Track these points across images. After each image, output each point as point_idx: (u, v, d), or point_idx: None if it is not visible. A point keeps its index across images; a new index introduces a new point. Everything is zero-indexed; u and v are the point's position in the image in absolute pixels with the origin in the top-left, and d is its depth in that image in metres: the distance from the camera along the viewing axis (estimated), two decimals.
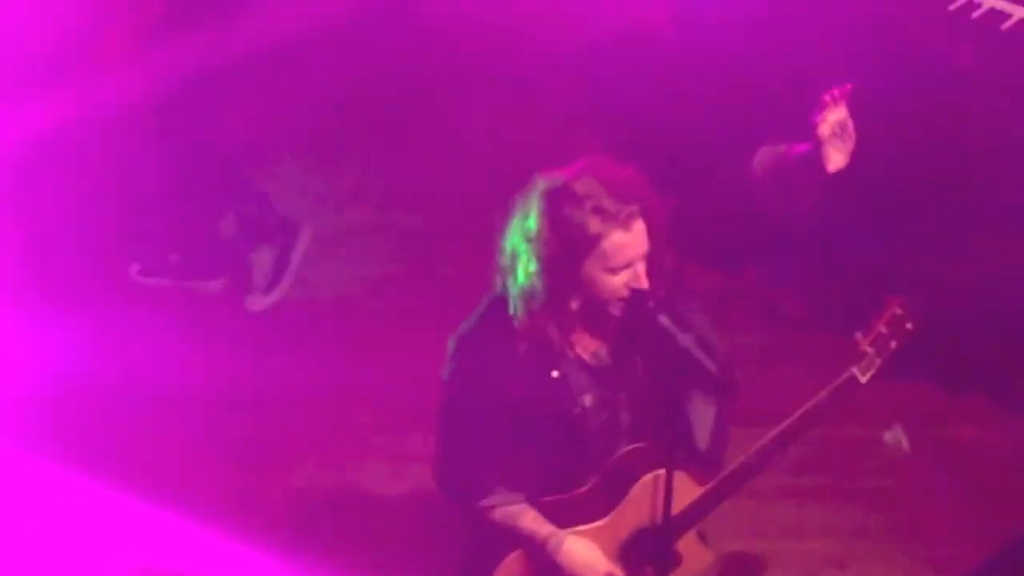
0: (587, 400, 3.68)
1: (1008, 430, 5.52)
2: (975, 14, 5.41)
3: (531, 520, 3.69)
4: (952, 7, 5.45)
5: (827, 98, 3.54)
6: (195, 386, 5.61)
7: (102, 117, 6.06)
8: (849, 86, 3.57)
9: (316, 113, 6.87)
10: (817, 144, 3.54)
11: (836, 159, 3.57)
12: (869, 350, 3.58)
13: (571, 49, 7.09)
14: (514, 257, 3.53)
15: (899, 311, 3.58)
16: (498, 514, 3.70)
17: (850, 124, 3.56)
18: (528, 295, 3.52)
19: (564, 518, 3.71)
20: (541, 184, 3.52)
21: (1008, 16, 5.37)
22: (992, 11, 5.40)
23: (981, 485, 5.36)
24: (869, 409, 4.22)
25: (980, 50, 5.38)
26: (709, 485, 3.65)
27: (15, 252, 6.17)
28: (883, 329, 3.59)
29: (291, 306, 6.26)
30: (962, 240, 5.43)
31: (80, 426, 5.56)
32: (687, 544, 3.76)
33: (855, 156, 3.60)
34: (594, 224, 3.41)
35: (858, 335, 3.60)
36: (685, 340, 3.46)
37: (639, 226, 3.46)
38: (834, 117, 3.53)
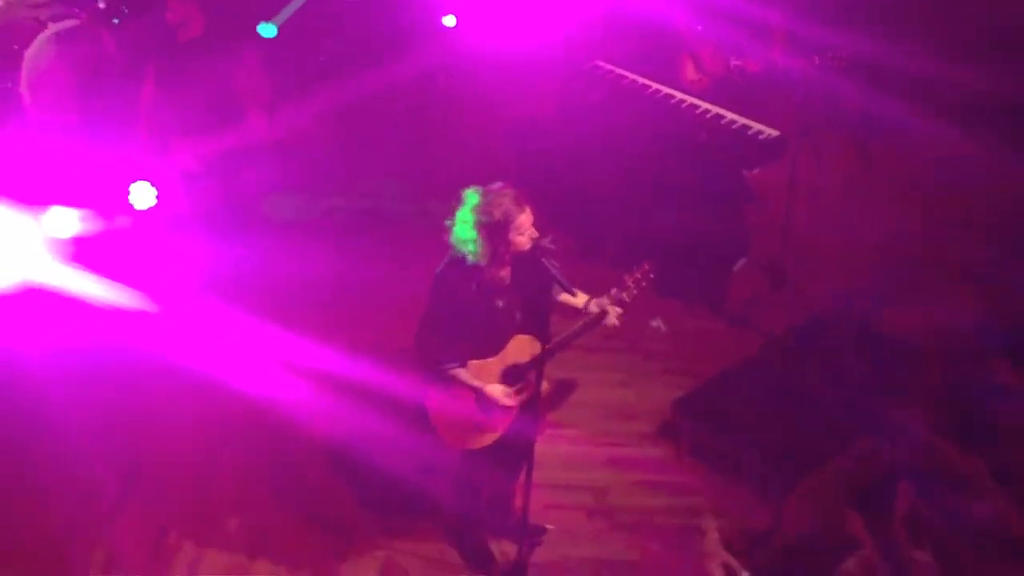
0: (500, 303, 6.65)
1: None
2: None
3: (467, 375, 6.66)
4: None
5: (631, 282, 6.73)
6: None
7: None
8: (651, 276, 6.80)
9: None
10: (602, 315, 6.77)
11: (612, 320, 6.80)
12: (625, 293, 6.75)
13: (509, 116, 11.18)
14: (470, 234, 6.38)
15: (647, 268, 6.78)
16: (449, 371, 6.59)
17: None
18: (482, 254, 6.42)
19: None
20: (477, 193, 6.43)
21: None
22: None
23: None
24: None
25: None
26: (545, 347, 6.52)
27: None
28: (636, 278, 6.75)
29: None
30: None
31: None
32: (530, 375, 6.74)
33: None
34: (511, 210, 6.37)
35: (623, 280, 6.77)
36: (552, 268, 6.36)
37: (528, 209, 6.43)
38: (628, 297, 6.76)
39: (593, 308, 6.76)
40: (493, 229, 6.38)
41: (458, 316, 6.57)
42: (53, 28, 10.15)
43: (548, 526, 7.43)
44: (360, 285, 9.42)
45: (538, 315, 6.64)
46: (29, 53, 10.06)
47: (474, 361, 6.66)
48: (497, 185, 6.49)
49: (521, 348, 6.72)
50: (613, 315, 6.76)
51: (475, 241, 6.41)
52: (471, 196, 6.45)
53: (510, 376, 6.73)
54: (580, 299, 6.79)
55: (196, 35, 8.73)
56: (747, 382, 8.17)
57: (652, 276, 6.79)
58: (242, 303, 8.93)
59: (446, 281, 6.57)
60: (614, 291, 6.77)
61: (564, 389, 8.33)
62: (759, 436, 7.71)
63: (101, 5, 10.97)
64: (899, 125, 10.44)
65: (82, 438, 7.99)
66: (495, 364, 6.69)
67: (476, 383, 6.65)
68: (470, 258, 6.45)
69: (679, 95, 9.56)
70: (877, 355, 8.31)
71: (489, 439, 6.81)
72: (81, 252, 8.88)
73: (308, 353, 8.35)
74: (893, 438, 7.66)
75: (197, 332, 8.58)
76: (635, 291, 6.74)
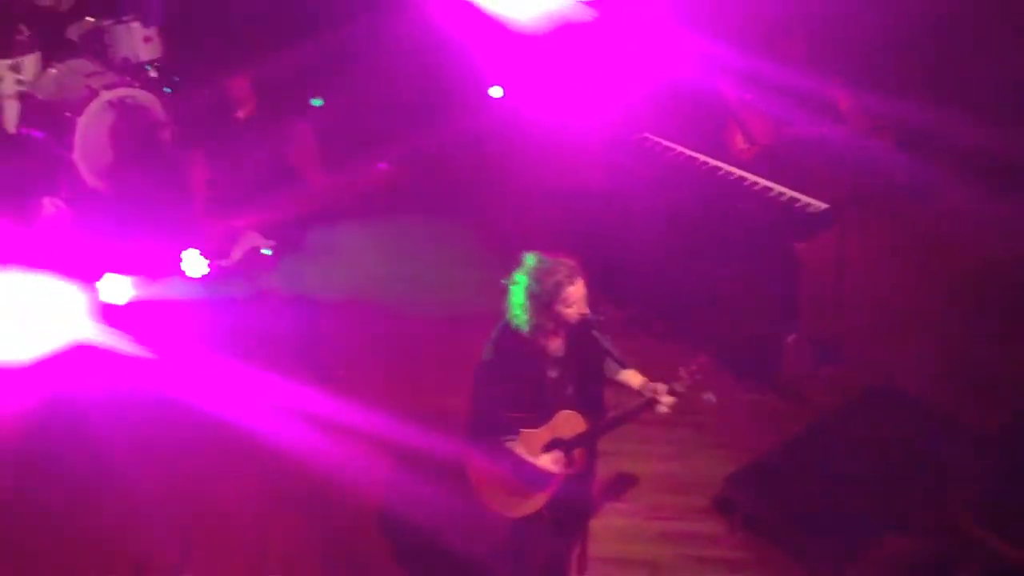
0: (553, 373, 6.67)
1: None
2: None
3: (518, 446, 6.55)
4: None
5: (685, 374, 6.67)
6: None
7: None
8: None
9: None
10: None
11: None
12: (679, 383, 6.67)
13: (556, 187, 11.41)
14: (519, 302, 6.45)
15: (703, 361, 6.72)
16: (500, 444, 6.52)
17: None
18: (528, 322, 6.49)
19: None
20: (534, 258, 6.50)
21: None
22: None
23: None
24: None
25: None
26: (591, 425, 6.67)
27: None
28: (692, 370, 6.68)
29: None
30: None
31: None
32: (579, 451, 6.70)
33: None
34: (562, 281, 6.42)
35: (678, 371, 6.70)
36: (603, 341, 6.67)
37: (580, 282, 6.48)
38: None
39: (647, 393, 6.71)
40: (541, 298, 6.44)
41: (510, 381, 6.57)
42: (106, 96, 10.28)
43: None
44: (408, 346, 9.57)
45: (590, 391, 6.72)
46: (82, 121, 10.19)
47: (523, 430, 6.64)
48: (554, 255, 6.52)
49: (569, 422, 6.69)
50: (665, 404, 6.68)
51: (523, 308, 6.47)
52: (529, 260, 6.51)
53: (555, 448, 6.69)
54: (635, 380, 6.78)
55: (250, 113, 8.82)
56: (802, 457, 8.14)
57: (706, 369, 6.76)
58: (291, 363, 9.16)
59: (499, 346, 6.60)
60: (669, 384, 6.72)
61: (616, 462, 8.29)
62: (814, 511, 7.66)
63: (153, 75, 11.13)
64: (952, 194, 10.50)
65: (141, 499, 8.12)
66: (542, 434, 6.66)
67: (524, 454, 6.59)
68: (518, 324, 6.50)
69: (727, 167, 9.58)
70: (930, 433, 8.28)
71: (529, 507, 6.77)
72: (134, 317, 8.96)
73: (360, 416, 8.43)
74: (950, 514, 7.63)
75: (250, 395, 8.67)
76: (689, 382, 6.69)
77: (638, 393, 6.76)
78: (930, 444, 8.15)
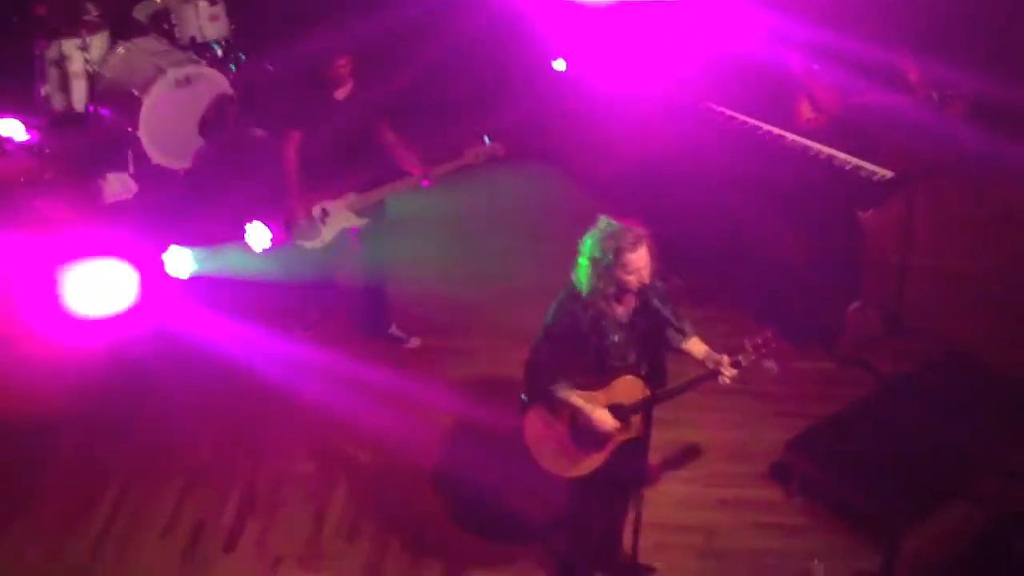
0: (615, 338, 6.60)
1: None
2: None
3: (576, 396, 6.57)
4: None
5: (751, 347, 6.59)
6: None
7: None
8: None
9: None
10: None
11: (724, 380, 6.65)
12: (743, 356, 6.58)
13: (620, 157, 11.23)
14: (583, 265, 6.44)
15: (769, 336, 6.59)
16: (558, 392, 6.54)
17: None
18: (589, 285, 6.46)
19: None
20: (605, 221, 6.45)
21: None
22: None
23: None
24: None
25: None
26: (651, 392, 6.60)
27: None
28: (757, 343, 6.58)
29: None
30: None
31: None
32: (636, 418, 6.67)
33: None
34: (623, 247, 6.36)
35: (743, 344, 6.61)
36: (665, 311, 6.66)
37: (643, 250, 6.41)
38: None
39: (710, 364, 6.66)
40: (602, 262, 6.39)
41: (572, 344, 6.56)
42: (172, 73, 10.39)
43: (658, 565, 7.36)
44: (470, 311, 9.64)
45: (652, 358, 6.68)
46: (148, 99, 10.30)
47: (580, 391, 6.62)
48: (625, 222, 6.48)
49: (629, 388, 6.66)
50: (727, 375, 6.61)
51: (586, 271, 6.46)
52: (600, 224, 6.49)
53: (614, 413, 6.66)
54: (699, 350, 6.73)
55: (347, 95, 8.72)
56: (861, 423, 8.04)
57: (774, 345, 6.64)
58: (353, 335, 9.33)
59: (563, 308, 6.59)
60: (734, 356, 6.63)
61: (675, 429, 8.25)
62: (872, 477, 7.57)
63: (219, 52, 11.23)
64: (1017, 164, 10.34)
65: (201, 462, 8.29)
66: (601, 397, 6.64)
67: (581, 403, 6.56)
68: (582, 287, 6.49)
69: (791, 136, 9.48)
70: (994, 399, 8.16)
71: (585, 468, 6.76)
72: (199, 288, 9.04)
73: (417, 386, 8.62)
74: (1012, 483, 7.52)
75: (311, 364, 8.79)
76: (754, 357, 6.61)
77: (701, 363, 6.71)
78: (995, 413, 8.04)
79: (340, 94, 8.63)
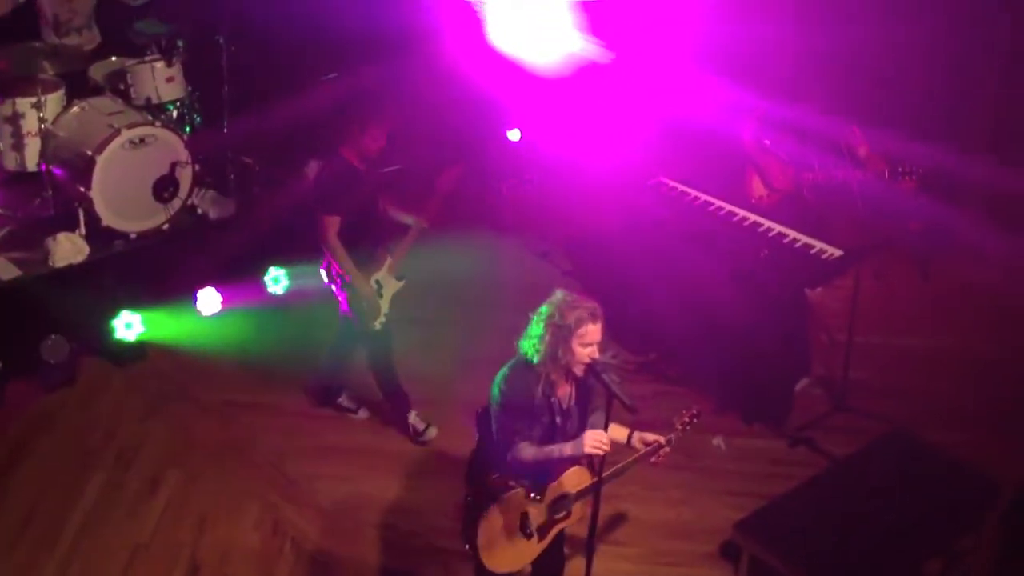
0: (558, 420, 6.65)
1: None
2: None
3: (549, 447, 6.60)
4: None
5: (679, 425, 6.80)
6: None
7: None
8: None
9: None
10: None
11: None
12: (673, 435, 6.72)
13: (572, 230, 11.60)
14: (537, 333, 6.47)
15: (696, 411, 6.85)
16: (526, 451, 6.52)
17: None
18: (542, 353, 6.46)
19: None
20: (555, 296, 6.52)
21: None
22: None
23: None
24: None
25: None
26: (595, 478, 6.57)
27: None
28: (684, 422, 6.79)
29: None
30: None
31: None
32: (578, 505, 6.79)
33: None
34: (583, 318, 6.41)
35: (672, 423, 6.79)
36: (614, 386, 6.42)
37: (600, 325, 6.47)
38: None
39: (638, 445, 6.72)
40: (562, 331, 6.40)
41: (526, 414, 6.57)
42: (127, 134, 10.32)
43: None
44: (426, 381, 9.48)
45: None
46: (102, 159, 10.24)
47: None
48: (582, 296, 6.55)
49: (575, 476, 6.70)
50: (660, 454, 6.71)
51: (540, 338, 6.46)
52: (557, 294, 6.55)
53: (559, 505, 6.69)
54: (620, 435, 6.75)
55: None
56: (810, 505, 8.03)
57: (698, 420, 6.84)
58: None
59: (516, 376, 6.58)
60: (666, 435, 6.74)
61: (622, 505, 8.29)
62: (820, 559, 7.59)
63: (174, 114, 11.22)
64: (964, 240, 10.52)
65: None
66: (551, 491, 6.67)
67: (568, 446, 6.57)
68: (532, 355, 6.49)
69: (742, 212, 9.59)
70: (938, 479, 8.23)
71: (527, 558, 6.79)
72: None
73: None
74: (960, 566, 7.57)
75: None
76: (682, 434, 6.75)
77: (631, 448, 6.76)
78: (944, 492, 8.10)
79: (363, 164, 8.47)
